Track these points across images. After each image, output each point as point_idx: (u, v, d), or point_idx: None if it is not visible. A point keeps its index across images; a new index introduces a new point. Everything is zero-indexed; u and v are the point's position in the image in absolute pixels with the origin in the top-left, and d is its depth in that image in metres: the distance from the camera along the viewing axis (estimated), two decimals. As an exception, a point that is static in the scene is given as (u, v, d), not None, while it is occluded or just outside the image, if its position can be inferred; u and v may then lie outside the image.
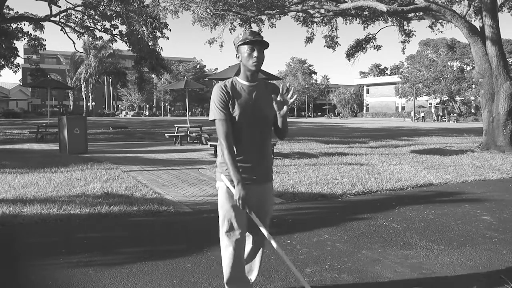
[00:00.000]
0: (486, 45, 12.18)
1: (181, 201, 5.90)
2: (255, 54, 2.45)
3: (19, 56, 28.17)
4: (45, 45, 26.70)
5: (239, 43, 2.48)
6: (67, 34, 23.40)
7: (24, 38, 25.35)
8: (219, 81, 2.70)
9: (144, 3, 20.94)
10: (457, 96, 59.63)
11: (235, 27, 18.47)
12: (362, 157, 10.75)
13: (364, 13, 17.68)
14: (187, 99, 18.49)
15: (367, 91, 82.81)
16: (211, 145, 11.79)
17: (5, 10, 21.94)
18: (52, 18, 21.49)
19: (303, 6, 16.89)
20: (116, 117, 63.30)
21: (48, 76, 25.82)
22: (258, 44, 2.46)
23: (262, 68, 12.67)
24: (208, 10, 15.76)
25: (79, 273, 3.36)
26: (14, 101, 73.28)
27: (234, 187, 2.44)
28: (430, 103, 66.55)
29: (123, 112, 77.49)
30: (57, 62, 72.62)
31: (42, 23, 23.61)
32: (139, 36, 21.23)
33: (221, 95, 2.50)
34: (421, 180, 7.49)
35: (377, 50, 21.09)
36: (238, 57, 2.53)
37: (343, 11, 16.36)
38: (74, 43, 62.46)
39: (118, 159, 10.50)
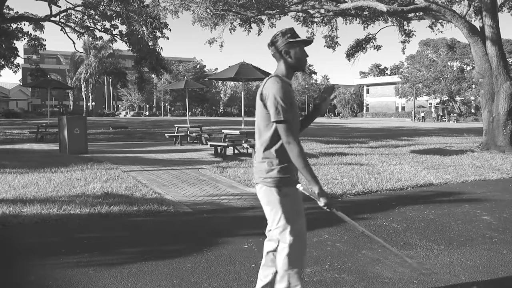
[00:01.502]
0: (486, 45, 12.17)
1: (181, 201, 5.90)
2: (306, 54, 2.43)
3: (19, 56, 28.13)
4: (45, 45, 26.68)
5: (299, 39, 2.40)
6: (67, 34, 23.40)
7: (24, 38, 25.34)
8: (276, 76, 2.41)
9: (144, 3, 20.93)
10: (457, 96, 59.64)
11: (235, 27, 18.48)
12: (362, 157, 10.74)
13: (364, 13, 17.67)
14: (187, 99, 18.52)
15: (367, 91, 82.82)
16: (211, 145, 11.80)
17: (5, 10, 21.92)
18: (52, 18, 21.48)
19: (303, 6, 16.89)
20: (116, 117, 63.30)
21: (48, 76, 25.87)
22: (308, 44, 2.45)
23: (263, 68, 12.73)
24: (208, 10, 15.77)
25: (79, 273, 3.36)
26: (14, 101, 73.23)
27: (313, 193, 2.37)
28: (430, 103, 66.56)
29: (123, 112, 77.45)
30: (57, 62, 72.57)
31: (42, 23, 23.60)
32: (139, 36, 21.22)
33: (291, 94, 2.36)
34: (421, 180, 7.49)
35: (377, 50, 21.09)
36: (283, 52, 2.41)
37: (343, 11, 16.35)
38: (74, 43, 62.60)
39: (118, 159, 10.50)
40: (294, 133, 2.32)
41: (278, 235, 2.45)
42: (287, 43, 2.40)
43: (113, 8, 20.68)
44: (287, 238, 2.44)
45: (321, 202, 2.36)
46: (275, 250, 2.59)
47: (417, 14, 15.38)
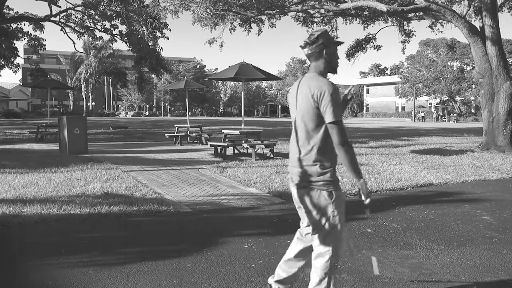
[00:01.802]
0: (486, 45, 12.17)
1: (181, 201, 5.90)
2: (338, 56, 2.55)
3: (19, 56, 28.10)
4: (45, 45, 26.68)
5: (337, 40, 2.53)
6: (67, 34, 23.40)
7: (24, 38, 25.33)
8: (319, 75, 2.52)
9: (144, 3, 20.94)
10: (457, 96, 59.62)
11: (235, 27, 18.47)
12: (362, 157, 10.74)
13: (364, 13, 17.66)
14: (187, 99, 18.54)
15: (367, 91, 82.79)
16: (211, 145, 11.79)
17: (5, 10, 21.93)
18: (52, 18, 21.49)
19: (303, 6, 16.88)
20: (116, 117, 63.24)
21: (48, 76, 25.85)
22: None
23: (263, 68, 12.71)
24: (208, 10, 15.76)
25: (79, 273, 3.36)
26: (14, 101, 73.16)
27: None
28: (430, 103, 66.52)
29: (123, 112, 77.37)
30: (57, 62, 72.48)
31: (42, 23, 23.60)
32: (139, 36, 21.23)
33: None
34: (421, 180, 7.49)
35: (377, 50, 21.07)
36: (324, 52, 2.46)
37: (343, 11, 16.35)
38: (74, 43, 62.57)
39: (118, 159, 10.50)
40: (347, 134, 2.33)
41: (322, 238, 2.46)
42: (328, 44, 2.46)
43: (113, 8, 20.68)
44: (331, 241, 2.45)
45: (367, 201, 2.48)
46: (307, 250, 2.62)
47: (417, 14, 15.37)
